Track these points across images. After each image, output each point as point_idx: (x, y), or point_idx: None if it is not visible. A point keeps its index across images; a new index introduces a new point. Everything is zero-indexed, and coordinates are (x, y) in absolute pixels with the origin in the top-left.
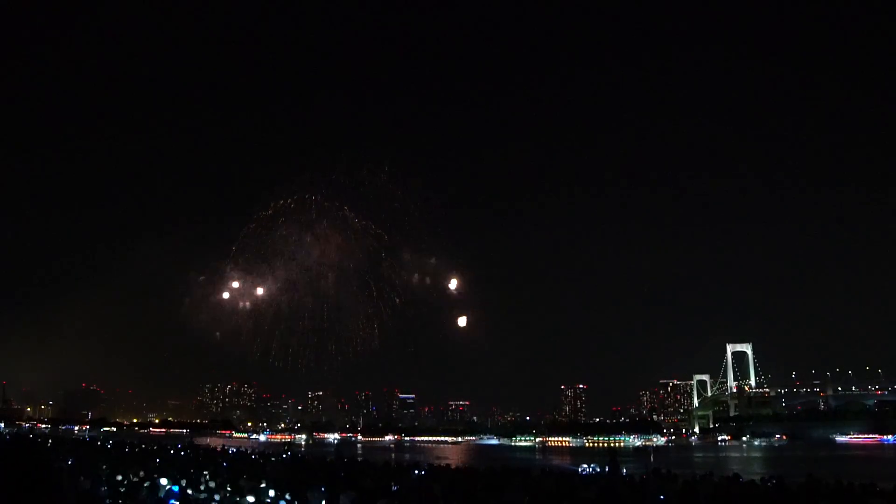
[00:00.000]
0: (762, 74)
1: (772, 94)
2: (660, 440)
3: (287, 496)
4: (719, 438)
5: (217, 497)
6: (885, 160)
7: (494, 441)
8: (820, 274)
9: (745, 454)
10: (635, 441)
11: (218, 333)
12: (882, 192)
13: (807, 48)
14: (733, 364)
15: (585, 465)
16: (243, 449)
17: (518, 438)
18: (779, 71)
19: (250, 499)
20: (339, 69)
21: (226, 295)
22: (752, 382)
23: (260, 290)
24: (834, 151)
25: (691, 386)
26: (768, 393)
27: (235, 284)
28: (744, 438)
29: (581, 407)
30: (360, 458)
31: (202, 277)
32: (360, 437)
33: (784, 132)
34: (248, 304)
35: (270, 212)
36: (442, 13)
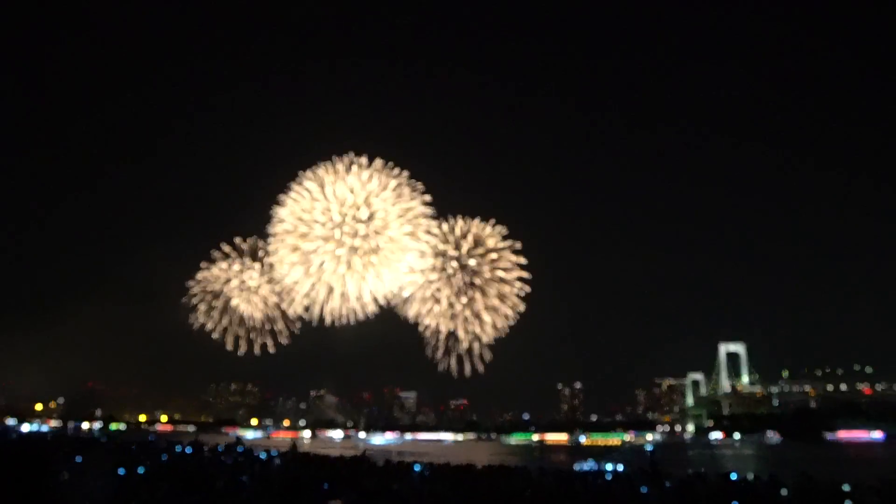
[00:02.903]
0: (769, 63)
1: (770, 89)
2: (656, 437)
3: None
4: (712, 437)
5: None
6: (878, 156)
7: (493, 439)
8: (812, 275)
9: (738, 452)
10: (631, 439)
11: (216, 334)
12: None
13: (814, 46)
14: (727, 363)
15: (583, 463)
16: (249, 448)
17: (516, 436)
18: (788, 59)
19: None
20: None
21: (226, 295)
22: (746, 381)
23: (257, 290)
24: (831, 150)
25: (686, 385)
26: (761, 392)
27: (235, 284)
28: (736, 436)
29: (578, 405)
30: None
31: (199, 279)
32: (361, 435)
33: (778, 131)
34: (246, 304)
35: (269, 212)
36: None
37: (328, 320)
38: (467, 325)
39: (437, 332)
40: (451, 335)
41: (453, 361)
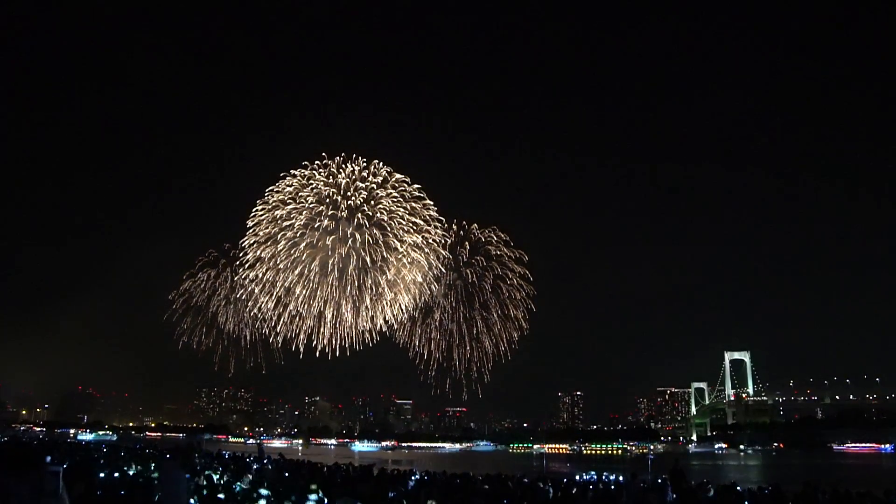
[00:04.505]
0: (769, 71)
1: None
2: (658, 448)
3: None
4: (716, 446)
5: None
6: (882, 165)
7: (491, 447)
8: (818, 284)
9: (741, 462)
10: (632, 448)
11: (201, 354)
12: (883, 205)
13: (817, 45)
14: (731, 372)
15: (583, 473)
16: (239, 453)
17: (515, 445)
18: (790, 67)
19: None
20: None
21: (212, 309)
22: (750, 390)
23: (246, 305)
24: (833, 160)
25: (689, 394)
26: (766, 401)
27: (221, 297)
28: (741, 446)
29: (578, 414)
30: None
31: (182, 291)
32: (356, 443)
33: (779, 144)
34: (235, 321)
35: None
36: None
37: (319, 349)
38: (466, 348)
39: (431, 357)
40: (448, 359)
41: (448, 384)
